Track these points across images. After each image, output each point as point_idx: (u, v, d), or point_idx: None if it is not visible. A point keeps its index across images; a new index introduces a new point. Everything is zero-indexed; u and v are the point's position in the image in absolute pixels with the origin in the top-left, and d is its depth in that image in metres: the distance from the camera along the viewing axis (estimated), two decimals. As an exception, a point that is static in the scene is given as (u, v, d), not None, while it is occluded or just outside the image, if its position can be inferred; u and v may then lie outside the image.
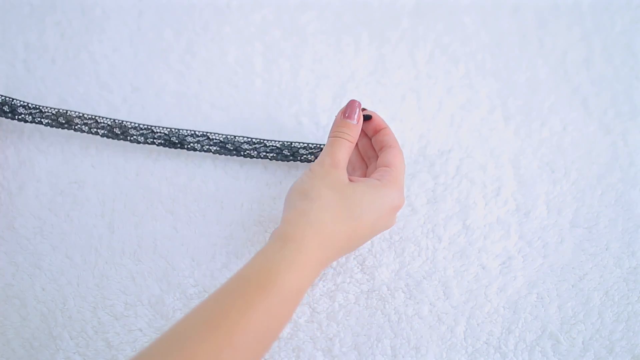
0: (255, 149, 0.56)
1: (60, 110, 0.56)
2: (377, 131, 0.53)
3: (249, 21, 0.66)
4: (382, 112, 0.60)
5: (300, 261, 0.43)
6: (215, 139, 0.56)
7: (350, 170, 0.54)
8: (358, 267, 0.52)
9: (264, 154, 0.56)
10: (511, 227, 0.55)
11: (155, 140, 0.56)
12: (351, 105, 0.51)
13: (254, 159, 0.57)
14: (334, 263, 0.53)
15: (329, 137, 0.50)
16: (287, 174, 0.57)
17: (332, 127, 0.51)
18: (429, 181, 0.57)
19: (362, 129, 0.52)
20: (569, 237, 0.54)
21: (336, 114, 0.52)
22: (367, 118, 0.52)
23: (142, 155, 0.58)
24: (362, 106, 0.54)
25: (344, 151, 0.49)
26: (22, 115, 0.56)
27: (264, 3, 0.67)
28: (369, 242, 0.53)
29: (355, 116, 0.51)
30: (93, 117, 0.56)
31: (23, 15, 0.66)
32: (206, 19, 0.66)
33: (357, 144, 0.53)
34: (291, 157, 0.56)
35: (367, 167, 0.54)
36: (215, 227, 0.54)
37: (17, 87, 0.61)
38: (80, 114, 0.56)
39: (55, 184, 0.56)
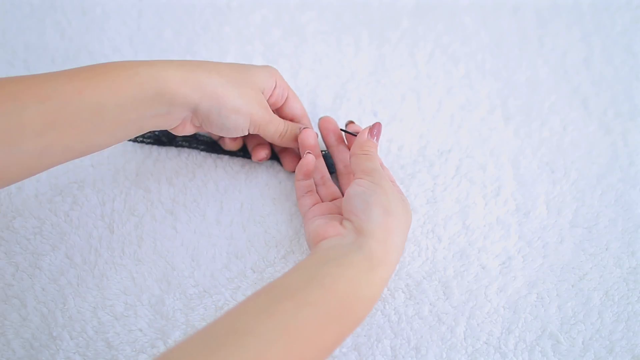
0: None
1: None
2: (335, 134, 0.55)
3: (249, 21, 0.66)
4: (382, 112, 0.60)
5: (380, 286, 0.43)
6: (202, 139, 0.57)
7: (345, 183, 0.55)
8: (358, 267, 0.52)
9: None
10: (511, 227, 0.55)
11: (144, 140, 0.57)
12: (378, 127, 0.51)
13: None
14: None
15: (358, 154, 0.50)
16: (288, 175, 0.57)
17: (358, 144, 0.50)
18: (428, 181, 0.57)
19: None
20: (568, 237, 0.54)
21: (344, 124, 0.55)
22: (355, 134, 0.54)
23: (142, 155, 0.58)
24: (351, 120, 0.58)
25: None
26: (180, 142, 0.57)
27: (264, 3, 0.67)
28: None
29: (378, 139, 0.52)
30: None
31: (23, 15, 0.66)
32: (206, 19, 0.66)
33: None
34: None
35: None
36: (215, 227, 0.54)
37: (17, 87, 0.61)
38: None
39: (55, 184, 0.56)
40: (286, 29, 0.66)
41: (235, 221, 0.54)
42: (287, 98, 0.54)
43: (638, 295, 0.51)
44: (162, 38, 0.65)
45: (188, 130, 0.50)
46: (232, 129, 0.49)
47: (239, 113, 0.47)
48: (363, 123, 0.60)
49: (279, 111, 0.55)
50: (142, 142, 0.57)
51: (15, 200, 0.55)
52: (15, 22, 0.66)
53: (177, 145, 0.57)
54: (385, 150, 0.58)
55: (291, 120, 0.55)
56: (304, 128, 0.53)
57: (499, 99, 0.62)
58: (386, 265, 0.43)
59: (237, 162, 0.57)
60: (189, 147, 0.57)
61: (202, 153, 0.58)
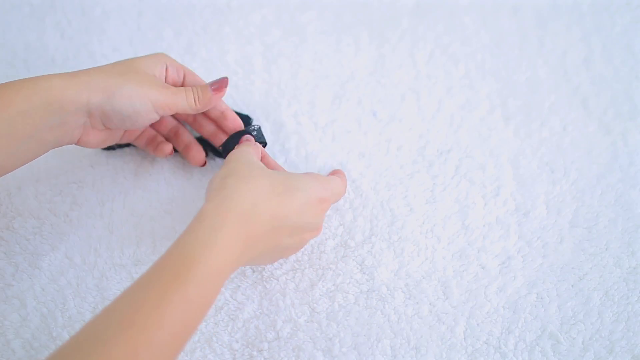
0: None
1: None
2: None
3: (249, 21, 0.66)
4: (382, 112, 0.60)
5: (216, 239, 0.39)
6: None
7: None
8: (357, 268, 0.52)
9: None
10: (510, 227, 0.54)
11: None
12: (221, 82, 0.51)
13: None
14: (333, 264, 0.52)
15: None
16: (286, 174, 0.57)
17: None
18: (427, 181, 0.57)
19: None
20: (568, 237, 0.54)
21: None
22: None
23: (140, 155, 0.58)
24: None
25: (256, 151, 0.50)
26: None
27: (264, 3, 0.67)
28: (369, 243, 0.53)
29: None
30: None
31: (23, 16, 0.66)
32: (206, 19, 0.66)
33: None
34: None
35: None
36: (215, 227, 0.54)
37: (17, 87, 0.61)
38: None
39: (55, 184, 0.56)
40: (286, 29, 0.66)
41: (235, 221, 0.54)
42: (184, 76, 0.53)
43: (638, 295, 0.51)
44: (162, 38, 0.65)
45: (96, 139, 0.49)
46: (135, 117, 0.47)
47: (132, 98, 0.46)
48: (362, 123, 0.60)
49: None
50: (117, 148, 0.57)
51: (15, 200, 0.55)
52: (15, 22, 0.66)
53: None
54: (385, 150, 0.58)
55: None
56: (213, 87, 0.51)
57: (498, 99, 0.62)
58: (211, 219, 0.40)
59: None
60: None
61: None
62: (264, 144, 0.55)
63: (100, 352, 0.34)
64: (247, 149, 0.49)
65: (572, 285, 0.52)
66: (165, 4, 0.67)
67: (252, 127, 0.55)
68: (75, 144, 0.48)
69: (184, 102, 0.49)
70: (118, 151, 0.57)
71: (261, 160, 0.52)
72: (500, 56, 0.64)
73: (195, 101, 0.50)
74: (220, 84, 0.51)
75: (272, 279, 0.52)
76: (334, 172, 0.55)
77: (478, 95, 0.62)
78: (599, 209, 0.56)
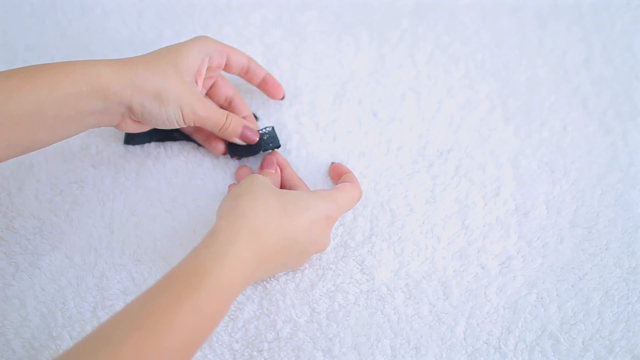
0: None
1: None
2: (339, 176, 0.55)
3: (249, 21, 0.66)
4: (382, 112, 0.61)
5: (229, 254, 0.41)
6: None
7: None
8: (357, 268, 0.52)
9: None
10: (510, 227, 0.54)
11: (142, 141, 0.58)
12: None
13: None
14: (333, 264, 0.52)
15: None
16: (286, 174, 0.57)
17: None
18: (427, 181, 0.57)
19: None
20: (568, 237, 0.54)
21: None
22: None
23: (141, 155, 0.58)
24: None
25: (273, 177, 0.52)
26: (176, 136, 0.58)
27: (264, 3, 0.67)
28: (369, 243, 0.53)
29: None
30: None
31: (23, 15, 0.66)
32: (206, 19, 0.66)
33: None
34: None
35: None
36: (215, 227, 0.54)
37: (17, 87, 0.61)
38: None
39: (55, 184, 0.56)
40: (286, 29, 0.66)
41: (235, 221, 0.54)
42: (228, 56, 0.54)
43: (638, 295, 0.51)
44: (162, 38, 0.65)
45: (131, 127, 0.51)
46: (166, 121, 0.49)
47: (168, 106, 0.48)
48: (363, 123, 0.60)
49: (226, 69, 0.55)
50: (139, 144, 0.57)
51: (15, 200, 0.55)
52: (15, 22, 0.66)
53: (173, 139, 0.58)
54: (385, 150, 0.58)
55: (241, 69, 0.56)
56: (246, 125, 0.54)
57: (498, 99, 0.62)
58: (225, 234, 0.42)
59: (236, 161, 0.57)
60: (186, 140, 0.58)
61: (201, 151, 0.58)
62: (278, 146, 0.56)
63: (108, 352, 0.35)
64: (264, 177, 0.50)
65: (572, 285, 0.52)
66: (165, 4, 0.67)
67: (265, 129, 0.56)
68: (115, 127, 0.51)
69: (211, 123, 0.52)
70: (119, 151, 0.57)
71: (282, 171, 0.55)
72: (500, 56, 0.64)
73: (222, 128, 0.52)
74: (248, 136, 0.54)
75: (272, 279, 0.52)
76: (344, 177, 0.55)
77: (478, 95, 0.62)
78: (599, 209, 0.56)
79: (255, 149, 0.55)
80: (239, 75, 0.57)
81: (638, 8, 0.67)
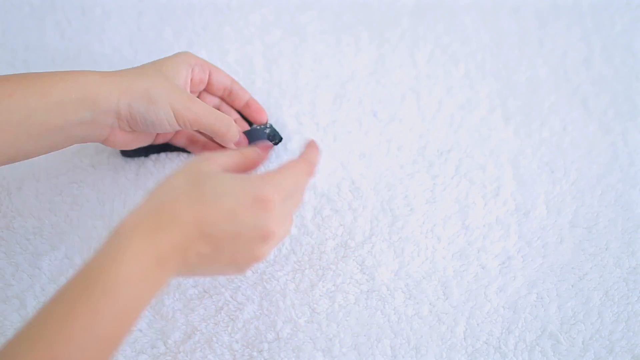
0: None
1: None
2: None
3: (249, 21, 0.66)
4: (382, 112, 0.61)
5: (125, 248, 0.37)
6: None
7: None
8: (357, 268, 0.52)
9: None
10: (510, 227, 0.55)
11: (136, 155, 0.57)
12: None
13: None
14: (333, 264, 0.52)
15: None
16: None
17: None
18: (427, 181, 0.57)
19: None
20: (568, 237, 0.54)
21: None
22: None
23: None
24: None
25: (227, 157, 0.45)
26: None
27: (264, 3, 0.67)
28: (369, 243, 0.53)
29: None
30: None
31: (23, 15, 0.66)
32: (206, 19, 0.66)
33: None
34: None
35: None
36: (215, 227, 0.54)
37: (17, 87, 0.61)
38: None
39: (55, 184, 0.56)
40: (286, 29, 0.66)
41: (235, 221, 0.54)
42: (210, 73, 0.54)
43: (638, 295, 0.51)
44: (162, 38, 0.65)
45: (121, 140, 0.50)
46: (157, 123, 0.48)
47: (158, 105, 0.47)
48: (363, 123, 0.60)
49: (208, 89, 0.55)
50: (135, 156, 0.57)
51: (15, 200, 0.55)
52: (15, 22, 0.66)
53: (170, 150, 0.57)
54: (385, 150, 0.58)
55: (224, 91, 0.56)
56: (240, 139, 0.53)
57: (499, 99, 0.62)
58: (120, 231, 0.38)
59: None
60: (184, 151, 0.57)
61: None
62: (281, 140, 0.57)
63: None
64: (203, 158, 0.45)
65: (572, 285, 0.52)
66: (165, 4, 0.67)
67: (266, 125, 0.57)
68: (102, 142, 0.50)
69: (207, 122, 0.49)
70: (119, 152, 0.57)
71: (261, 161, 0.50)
72: (500, 56, 0.64)
73: (222, 133, 0.51)
74: (242, 141, 0.54)
75: (272, 279, 0.52)
76: (306, 151, 0.48)
77: (478, 95, 0.62)
78: (599, 209, 0.56)
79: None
80: (221, 97, 0.57)
81: (638, 8, 0.67)
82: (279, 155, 0.58)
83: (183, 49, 0.64)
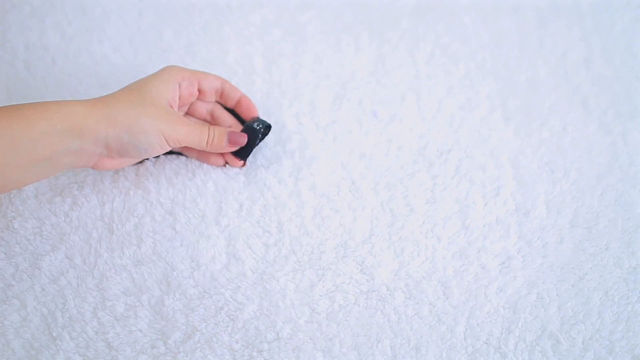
0: None
1: None
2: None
3: (249, 21, 0.66)
4: (382, 112, 0.61)
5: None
6: None
7: None
8: (357, 268, 0.52)
9: None
10: (511, 227, 0.55)
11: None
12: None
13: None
14: (333, 264, 0.52)
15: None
16: (289, 174, 0.57)
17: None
18: (428, 181, 0.57)
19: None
20: (568, 237, 0.54)
21: None
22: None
23: (141, 155, 0.58)
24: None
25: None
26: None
27: (264, 3, 0.67)
28: (369, 243, 0.53)
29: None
30: None
31: (23, 16, 0.66)
32: (206, 19, 0.66)
33: None
34: None
35: None
36: (215, 227, 0.54)
37: (17, 87, 0.61)
38: None
39: (55, 184, 0.56)
40: (286, 29, 0.66)
41: (235, 221, 0.54)
42: (199, 83, 0.54)
43: (638, 295, 0.51)
44: (162, 38, 0.65)
45: (110, 165, 0.51)
46: (150, 149, 0.50)
47: (148, 132, 0.48)
48: (363, 123, 0.60)
49: (200, 97, 0.56)
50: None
51: (15, 200, 0.55)
52: (15, 22, 0.66)
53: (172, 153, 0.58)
54: (385, 151, 0.58)
55: (216, 94, 0.56)
56: (230, 131, 0.54)
57: (499, 99, 0.62)
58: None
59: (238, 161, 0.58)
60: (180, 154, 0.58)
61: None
62: (270, 127, 0.57)
63: None
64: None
65: (572, 285, 0.52)
66: (165, 4, 0.67)
67: (255, 120, 0.56)
68: (92, 167, 0.51)
69: (196, 140, 0.52)
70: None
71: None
72: (500, 56, 0.64)
73: (207, 143, 0.53)
74: (236, 141, 0.54)
75: (272, 279, 0.52)
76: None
77: (478, 95, 0.62)
78: (599, 209, 0.56)
79: (253, 140, 0.55)
80: (215, 100, 0.57)
81: (638, 8, 0.67)
82: (279, 157, 0.58)
83: (183, 49, 0.64)
